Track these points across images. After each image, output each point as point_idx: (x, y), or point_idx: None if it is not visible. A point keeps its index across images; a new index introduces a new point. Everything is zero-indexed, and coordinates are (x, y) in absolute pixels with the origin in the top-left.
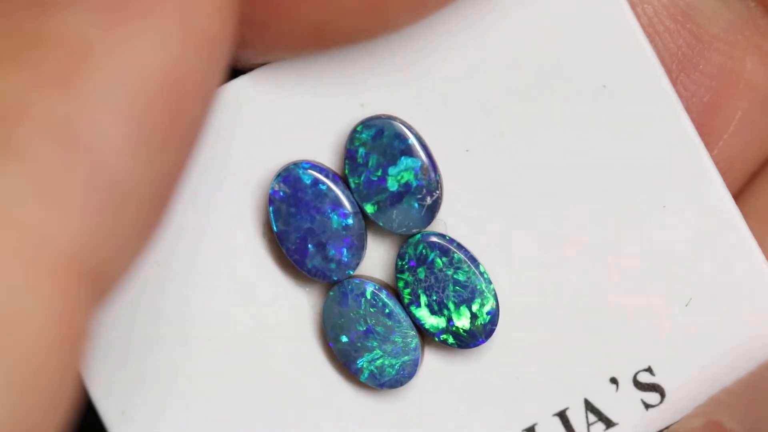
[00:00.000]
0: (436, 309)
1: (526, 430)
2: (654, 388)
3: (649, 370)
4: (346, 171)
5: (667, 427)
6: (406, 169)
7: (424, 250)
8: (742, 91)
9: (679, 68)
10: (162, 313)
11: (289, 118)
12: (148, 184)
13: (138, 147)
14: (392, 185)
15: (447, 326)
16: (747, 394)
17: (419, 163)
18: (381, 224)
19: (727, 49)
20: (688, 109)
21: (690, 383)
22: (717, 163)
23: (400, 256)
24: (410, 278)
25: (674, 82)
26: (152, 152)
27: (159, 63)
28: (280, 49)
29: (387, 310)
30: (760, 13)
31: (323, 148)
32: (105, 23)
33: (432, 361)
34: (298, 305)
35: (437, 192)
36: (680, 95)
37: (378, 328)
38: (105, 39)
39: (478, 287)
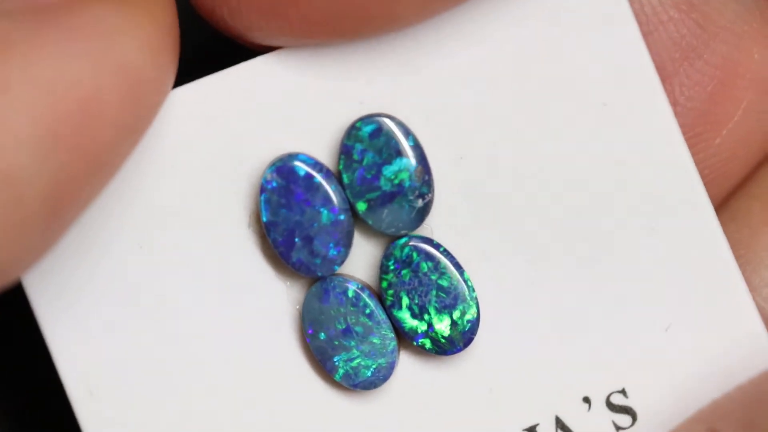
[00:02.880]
0: (417, 312)
1: None
2: (626, 410)
3: (623, 392)
4: (341, 166)
5: None
6: (400, 170)
7: (410, 253)
8: (748, 81)
9: (682, 57)
10: (140, 296)
11: (287, 109)
12: (43, 181)
13: (38, 147)
14: (385, 185)
15: (427, 331)
16: (746, 403)
17: (414, 165)
18: (370, 223)
19: (733, 40)
20: (689, 97)
21: (663, 408)
22: (720, 152)
23: (386, 257)
24: (394, 280)
25: (677, 71)
26: (53, 154)
27: (75, 77)
28: (288, 35)
29: (368, 311)
30: (767, 5)
31: (319, 143)
32: (30, 28)
33: (407, 366)
34: (277, 299)
35: (429, 195)
36: (683, 84)
37: (357, 328)
38: (26, 40)
39: (461, 295)
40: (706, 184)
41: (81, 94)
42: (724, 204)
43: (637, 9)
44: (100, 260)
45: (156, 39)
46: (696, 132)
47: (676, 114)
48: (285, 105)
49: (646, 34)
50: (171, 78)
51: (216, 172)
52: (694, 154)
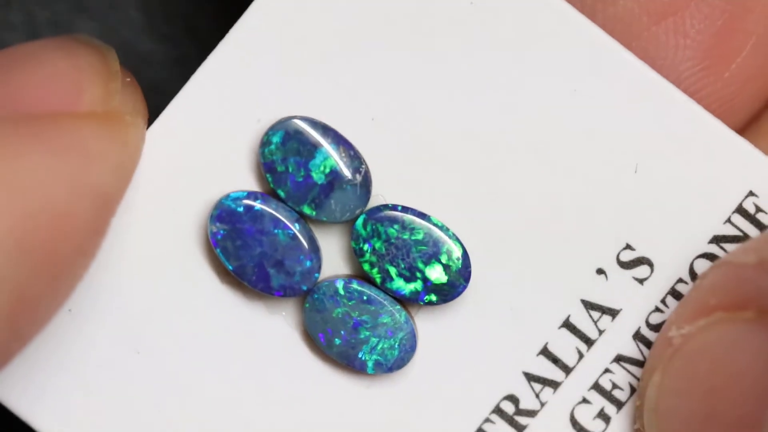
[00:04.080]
0: (409, 275)
1: (540, 353)
2: (640, 261)
3: (628, 247)
4: (271, 185)
5: (669, 291)
6: (325, 159)
7: (373, 226)
8: (758, 15)
9: None
10: (146, 400)
11: (194, 155)
12: (6, 294)
13: (7, 255)
14: (319, 178)
15: (425, 287)
16: None
17: (335, 147)
18: (324, 219)
19: None
20: (699, 30)
21: (671, 245)
22: (728, 86)
23: (355, 241)
24: (373, 258)
25: (687, 4)
26: (19, 265)
27: (48, 195)
28: None
29: (365, 297)
30: None
31: (239, 172)
32: (12, 136)
33: (427, 328)
34: (281, 331)
35: (363, 166)
36: (693, 17)
37: (364, 318)
38: (8, 148)
39: (439, 238)
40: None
41: (54, 212)
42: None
43: None
44: (98, 369)
45: (127, 163)
46: (704, 65)
47: (686, 47)
48: (191, 153)
49: None
50: (119, 200)
51: (161, 235)
52: (702, 87)
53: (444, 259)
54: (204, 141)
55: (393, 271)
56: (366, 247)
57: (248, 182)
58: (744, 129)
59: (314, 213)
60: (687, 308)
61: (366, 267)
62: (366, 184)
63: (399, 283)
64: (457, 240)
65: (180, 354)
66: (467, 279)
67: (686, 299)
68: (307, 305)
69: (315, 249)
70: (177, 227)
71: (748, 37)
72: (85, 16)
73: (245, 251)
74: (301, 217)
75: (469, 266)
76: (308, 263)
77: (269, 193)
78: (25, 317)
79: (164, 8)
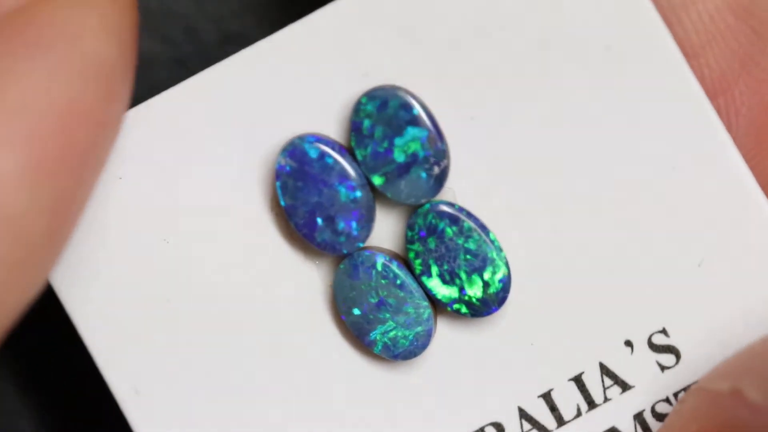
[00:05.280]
0: (448, 279)
1: (541, 395)
2: (669, 349)
3: (663, 331)
4: (353, 143)
5: (684, 388)
6: (412, 140)
7: (433, 220)
8: None
9: (740, 67)
10: (172, 292)
11: (293, 90)
12: (42, 212)
13: (32, 179)
14: (399, 156)
15: (459, 296)
16: None
17: (425, 133)
18: (389, 195)
19: None
20: (752, 108)
21: (705, 343)
22: None
23: (410, 227)
24: (420, 248)
25: (736, 81)
26: (45, 182)
27: (50, 93)
28: None
29: (398, 281)
30: None
31: (328, 120)
32: None
33: (445, 331)
34: (308, 279)
35: (445, 161)
36: (742, 94)
37: (390, 300)
38: None
39: (489, 255)
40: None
41: (59, 107)
42: None
43: (695, 18)
44: (127, 258)
45: (120, 23)
46: (759, 141)
47: (738, 125)
48: (291, 87)
49: (705, 45)
50: (134, 57)
51: (230, 160)
52: (759, 163)
53: (487, 276)
54: (304, 79)
55: (435, 269)
56: (418, 236)
57: (333, 131)
58: None
59: (382, 185)
60: None
61: (411, 255)
62: (441, 178)
63: (435, 283)
64: (506, 263)
65: (205, 271)
66: (501, 303)
67: (668, 424)
68: (342, 267)
69: (369, 219)
70: (250, 156)
71: None
72: None
73: (302, 194)
74: (368, 185)
75: (508, 292)
76: (357, 229)
77: (348, 150)
78: (64, 223)
79: (164, 8)
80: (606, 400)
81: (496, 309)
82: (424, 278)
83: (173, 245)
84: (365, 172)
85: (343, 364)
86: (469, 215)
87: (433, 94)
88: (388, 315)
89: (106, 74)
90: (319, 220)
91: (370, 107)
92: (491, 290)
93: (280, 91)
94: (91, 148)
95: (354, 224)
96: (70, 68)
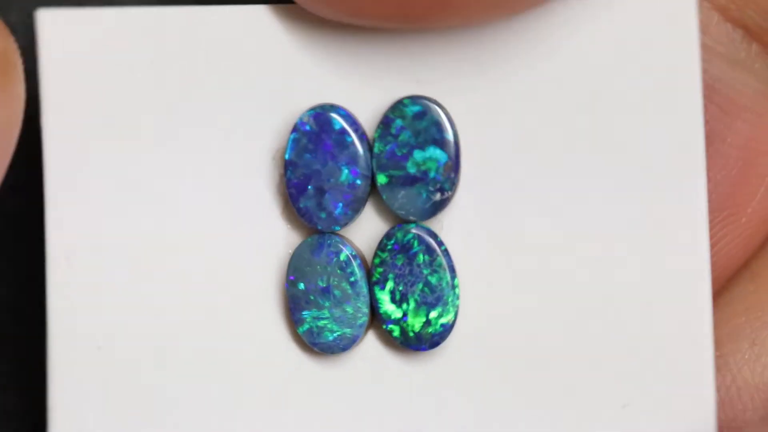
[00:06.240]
0: (398, 299)
1: None
2: None
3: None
4: (376, 134)
5: None
6: (431, 159)
7: (411, 240)
8: None
9: (707, 143)
10: (142, 192)
11: (350, 61)
12: None
13: None
14: (411, 167)
15: (399, 319)
16: None
17: (446, 159)
18: (384, 198)
19: (753, 119)
20: (717, 182)
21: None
22: (745, 230)
23: (387, 236)
24: (388, 260)
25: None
26: None
27: None
28: (406, 19)
29: (352, 279)
30: None
31: (366, 104)
32: None
33: (371, 344)
34: (275, 237)
35: (449, 193)
36: (709, 170)
37: (336, 291)
38: None
39: (445, 297)
40: (727, 261)
41: None
42: (745, 265)
43: None
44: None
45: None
46: (724, 215)
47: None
48: (350, 56)
49: None
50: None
51: (264, 100)
52: (724, 235)
53: (433, 315)
54: (361, 57)
55: (390, 285)
56: (391, 247)
57: (365, 117)
58: (756, 254)
59: (382, 186)
60: None
61: (376, 261)
62: (438, 206)
63: (384, 297)
64: (456, 312)
65: (183, 187)
66: (432, 346)
67: None
68: (309, 240)
69: (356, 209)
70: (277, 109)
71: (761, 180)
72: None
73: (309, 156)
74: (371, 179)
75: (444, 338)
76: (340, 212)
77: (368, 140)
78: None
79: None
80: None
81: (425, 349)
82: (376, 288)
83: (164, 155)
84: (374, 166)
85: (267, 331)
86: (446, 253)
87: (471, 128)
88: (327, 303)
89: None
90: (311, 188)
91: (408, 110)
92: (429, 329)
93: (337, 54)
94: None
95: (340, 206)
96: None
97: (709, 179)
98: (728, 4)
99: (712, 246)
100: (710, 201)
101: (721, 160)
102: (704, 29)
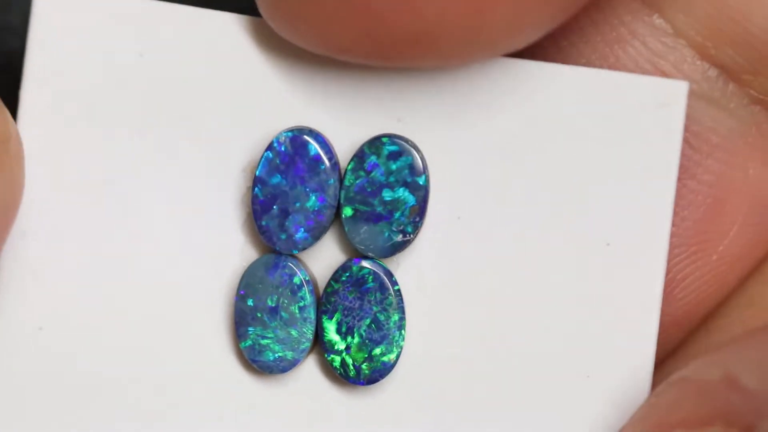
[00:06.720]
0: (344, 331)
1: None
2: None
3: None
4: (349, 166)
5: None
6: (399, 200)
7: (366, 276)
8: (743, 196)
9: (677, 179)
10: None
11: (336, 88)
12: None
13: None
14: (378, 206)
15: (342, 351)
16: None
17: (413, 203)
18: (346, 229)
19: (726, 157)
20: (686, 217)
21: None
22: (717, 268)
23: (344, 268)
24: (340, 291)
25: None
26: None
27: None
28: (379, 56)
29: (302, 303)
30: (765, 117)
31: (343, 134)
32: None
33: (310, 371)
34: (231, 250)
35: (411, 236)
36: (676, 205)
37: (284, 313)
38: None
39: (391, 337)
40: (697, 297)
41: None
42: (740, 288)
43: None
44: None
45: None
46: (692, 251)
47: (672, 234)
48: (336, 83)
49: None
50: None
51: (245, 110)
52: (693, 271)
53: (376, 352)
54: (345, 95)
55: (337, 316)
56: (345, 279)
57: (341, 147)
58: (751, 275)
59: (346, 219)
60: (644, 427)
61: (328, 290)
62: (397, 247)
63: (330, 326)
64: (399, 353)
65: (151, 192)
66: (369, 383)
67: (641, 418)
68: (265, 258)
69: (316, 236)
70: (261, 119)
71: (733, 219)
72: None
73: (278, 176)
74: (338, 209)
75: (383, 377)
76: (300, 237)
77: (340, 170)
78: None
79: None
80: None
81: (363, 384)
82: (324, 316)
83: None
84: (342, 197)
85: (209, 342)
86: (398, 294)
87: (444, 173)
88: (273, 324)
89: None
90: (276, 208)
91: (384, 149)
92: (370, 366)
93: (320, 86)
94: None
95: (302, 231)
96: None
97: (677, 214)
98: (705, 42)
99: (680, 280)
100: (676, 235)
101: (690, 195)
102: (679, 67)
